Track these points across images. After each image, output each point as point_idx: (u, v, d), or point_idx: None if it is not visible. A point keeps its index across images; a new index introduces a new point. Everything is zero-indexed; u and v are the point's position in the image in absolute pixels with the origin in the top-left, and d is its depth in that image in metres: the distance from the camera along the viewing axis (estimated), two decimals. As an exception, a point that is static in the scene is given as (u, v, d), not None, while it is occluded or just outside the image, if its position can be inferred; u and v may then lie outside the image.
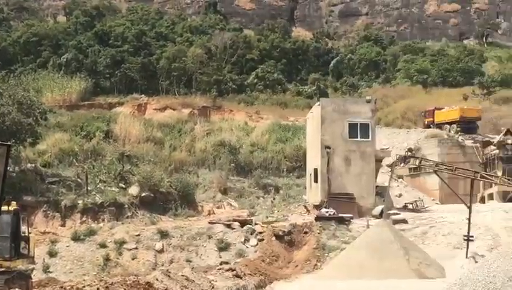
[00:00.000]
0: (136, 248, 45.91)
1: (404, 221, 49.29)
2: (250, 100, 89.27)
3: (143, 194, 52.54)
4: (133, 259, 44.98)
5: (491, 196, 61.11)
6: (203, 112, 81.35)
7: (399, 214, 51.11)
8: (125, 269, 42.78)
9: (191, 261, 44.39)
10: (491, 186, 59.71)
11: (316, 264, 44.45)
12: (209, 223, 49.10)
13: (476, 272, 22.21)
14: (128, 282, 23.17)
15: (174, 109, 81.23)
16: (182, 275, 28.09)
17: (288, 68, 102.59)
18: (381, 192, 53.69)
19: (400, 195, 61.00)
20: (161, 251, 45.96)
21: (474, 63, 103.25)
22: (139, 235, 47.06)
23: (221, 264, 41.81)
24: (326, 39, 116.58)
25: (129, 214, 51.23)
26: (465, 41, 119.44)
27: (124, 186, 54.06)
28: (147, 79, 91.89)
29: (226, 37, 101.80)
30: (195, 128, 72.15)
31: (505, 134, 64.30)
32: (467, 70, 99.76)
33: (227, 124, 74.97)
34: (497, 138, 65.43)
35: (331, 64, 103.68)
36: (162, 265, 43.33)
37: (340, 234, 47.41)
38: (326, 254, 45.27)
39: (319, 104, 55.58)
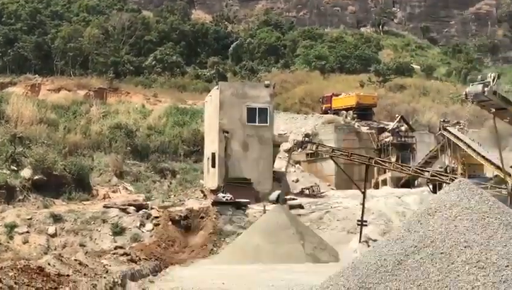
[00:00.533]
0: (28, 232, 44.78)
1: (301, 206, 49.67)
2: (148, 83, 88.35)
3: (36, 177, 51.28)
4: (24, 243, 43.84)
5: (384, 182, 62.27)
6: (99, 93, 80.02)
7: (295, 199, 51.50)
8: (16, 253, 41.64)
9: (84, 246, 43.60)
10: (385, 172, 60.81)
11: (212, 249, 44.36)
12: (104, 207, 48.35)
13: (368, 255, 22.38)
14: (19, 266, 22.52)
15: (69, 90, 79.61)
16: (75, 260, 27.45)
17: (187, 51, 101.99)
18: (278, 177, 53.93)
19: (297, 180, 61.43)
20: (54, 235, 44.99)
21: (370, 50, 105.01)
22: (31, 219, 45.92)
23: (115, 248, 41.17)
24: (226, 23, 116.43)
25: (21, 197, 49.90)
26: (362, 29, 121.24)
27: (15, 168, 52.65)
28: (41, 59, 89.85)
29: (124, 18, 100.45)
30: (91, 111, 70.85)
31: (399, 121, 65.59)
32: (363, 57, 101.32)
33: (124, 107, 73.95)
34: (391, 125, 66.67)
35: (231, 48, 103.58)
36: (55, 249, 42.41)
37: (237, 219, 47.40)
38: (223, 239, 45.22)
39: (217, 88, 55.36)
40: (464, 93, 40.22)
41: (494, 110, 39.44)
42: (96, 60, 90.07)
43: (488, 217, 21.97)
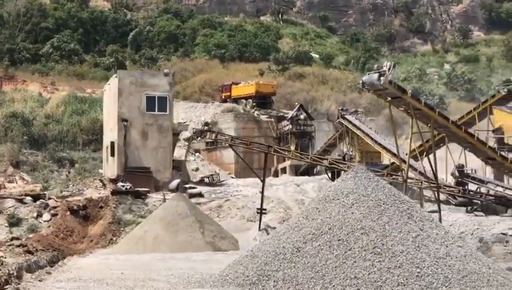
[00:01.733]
0: None
1: (200, 195, 49.75)
2: (45, 70, 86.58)
3: None
4: None
5: (284, 170, 62.89)
6: (-5, 81, 78.13)
7: (195, 188, 51.52)
8: None
9: (-21, 237, 42.57)
10: (284, 161, 61.43)
11: (111, 239, 43.99)
12: None
13: (267, 243, 22.60)
14: None
15: (-37, 78, 77.49)
16: (-31, 252, 26.85)
17: (86, 39, 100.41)
18: (178, 166, 53.84)
19: (197, 169, 61.44)
20: None
21: (270, 39, 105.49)
22: None
23: (11, 240, 40.27)
24: (125, 10, 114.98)
25: None
26: (262, 18, 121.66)
27: None
28: None
29: (20, 4, 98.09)
30: (-15, 99, 69.11)
31: (298, 109, 66.25)
32: (263, 46, 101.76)
33: (20, 95, 72.32)
34: (290, 113, 67.30)
35: (130, 36, 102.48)
36: None
37: (137, 208, 47.13)
38: (122, 228, 44.89)
39: (116, 76, 54.78)
40: (361, 82, 40.86)
41: (390, 98, 40.20)
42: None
43: (384, 204, 22.43)
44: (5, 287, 20.65)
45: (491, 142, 50.71)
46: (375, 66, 42.79)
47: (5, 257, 28.56)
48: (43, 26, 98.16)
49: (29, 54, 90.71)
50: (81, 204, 46.73)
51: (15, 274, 23.04)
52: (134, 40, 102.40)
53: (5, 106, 67.39)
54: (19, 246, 34.63)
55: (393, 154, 49.09)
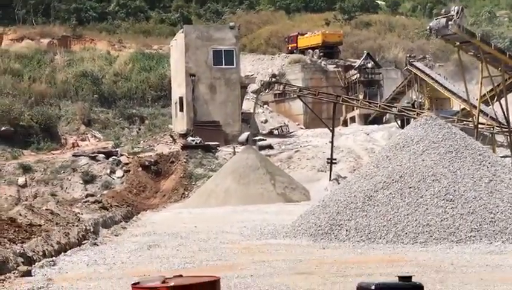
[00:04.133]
0: (-2, 184, 44.68)
1: (270, 146, 49.89)
2: (112, 29, 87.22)
3: (2, 129, 50.96)
4: (-6, 195, 43.77)
5: (353, 119, 62.60)
6: (63, 41, 78.99)
7: (265, 140, 51.69)
8: (-14, 206, 41.58)
9: (55, 195, 43.59)
10: (353, 110, 61.11)
11: (183, 193, 44.56)
12: (73, 155, 48.25)
13: (338, 193, 22.62)
14: (-10, 218, 22.52)
15: (32, 39, 78.48)
16: (47, 209, 27.45)
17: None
18: (246, 119, 54.02)
19: (266, 121, 61.54)
20: (24, 186, 44.91)
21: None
22: (0, 170, 45.72)
23: (86, 196, 41.23)
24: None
25: (-12, 149, 49.67)
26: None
27: (-19, 121, 52.25)
28: (2, 8, 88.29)
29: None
30: (55, 59, 70.01)
31: (365, 58, 65.66)
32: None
33: (89, 54, 73.12)
34: (357, 62, 66.74)
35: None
36: (26, 200, 42.34)
37: (207, 162, 47.55)
38: (194, 183, 45.38)
39: (182, 32, 54.97)
40: (428, 27, 40.25)
41: (458, 43, 39.57)
42: (58, 8, 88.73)
43: (455, 150, 22.22)
44: (82, 242, 21.16)
45: None
46: (443, 10, 42.11)
47: (82, 213, 29.20)
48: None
49: (96, 12, 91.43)
50: (152, 160, 47.38)
51: (92, 229, 23.58)
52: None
53: (75, 65, 68.29)
54: (94, 202, 35.40)
55: (464, 100, 48.40)
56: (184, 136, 51.96)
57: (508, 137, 42.43)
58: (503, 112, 40.94)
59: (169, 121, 58.27)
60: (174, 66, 58.73)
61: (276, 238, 21.85)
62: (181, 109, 53.75)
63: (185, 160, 47.46)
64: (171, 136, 53.95)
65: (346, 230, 20.56)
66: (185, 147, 48.94)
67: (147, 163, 46.99)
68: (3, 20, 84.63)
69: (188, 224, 26.98)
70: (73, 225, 23.64)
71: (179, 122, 54.52)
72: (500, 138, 46.96)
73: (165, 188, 45.63)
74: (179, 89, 55.14)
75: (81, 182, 45.12)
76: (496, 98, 44.54)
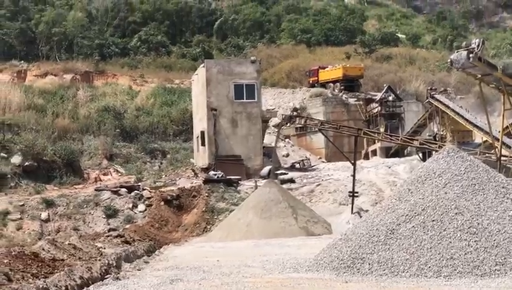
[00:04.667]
0: (21, 218, 44.83)
1: (292, 180, 49.86)
2: (134, 64, 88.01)
3: (26, 163, 51.29)
4: (18, 230, 43.91)
5: (374, 152, 62.49)
6: (86, 77, 79.77)
7: (286, 173, 51.65)
8: (10, 241, 41.69)
9: (78, 230, 43.68)
10: (374, 143, 61.03)
11: (205, 227, 44.52)
12: (96, 190, 48.43)
13: (360, 226, 22.55)
14: (14, 253, 22.59)
15: (55, 75, 79.31)
16: (69, 244, 27.52)
17: (172, 30, 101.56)
18: (268, 152, 54.07)
19: (287, 155, 61.57)
20: (47, 221, 45.07)
21: (355, 21, 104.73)
22: (23, 205, 45.95)
23: (109, 231, 41.27)
24: (210, 0, 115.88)
25: (12, 184, 49.91)
26: (346, 1, 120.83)
27: (5, 156, 52.58)
28: (26, 45, 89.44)
29: (107, 0, 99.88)
30: (78, 94, 70.59)
31: (386, 91, 65.68)
32: (348, 29, 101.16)
33: (111, 89, 73.71)
34: (378, 95, 66.75)
35: (215, 25, 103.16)
36: (49, 235, 42.43)
37: (229, 196, 47.53)
38: (216, 217, 45.35)
39: (203, 66, 55.30)
40: (449, 60, 40.25)
41: (480, 76, 39.52)
42: (81, 44, 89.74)
43: (478, 183, 22.11)
44: (105, 276, 21.17)
45: None
46: (464, 43, 42.10)
47: (104, 248, 29.24)
48: (130, 20, 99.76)
49: (118, 48, 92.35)
50: (174, 194, 47.45)
51: (114, 264, 23.59)
52: (219, 29, 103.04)
53: (97, 100, 68.84)
54: (116, 236, 35.44)
55: (486, 132, 48.21)
56: (206, 170, 52.06)
57: (531, 169, 42.22)
58: (526, 144, 40.80)
59: (191, 155, 58.43)
60: (195, 101, 59.02)
61: (299, 272, 21.78)
62: (203, 143, 53.91)
63: (206, 194, 47.49)
64: (193, 171, 54.07)
65: (369, 263, 20.47)
66: (206, 181, 49.00)
67: (168, 197, 47.06)
68: (27, 56, 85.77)
69: (210, 258, 26.94)
70: (96, 260, 23.68)
71: (201, 157, 54.66)
72: (523, 170, 46.72)
73: (187, 222, 45.63)
74: (200, 123, 55.36)
75: (104, 216, 45.24)
76: (518, 131, 44.41)
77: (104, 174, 55.22)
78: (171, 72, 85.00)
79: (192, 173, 53.76)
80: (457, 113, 54.94)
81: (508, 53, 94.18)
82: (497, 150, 42.08)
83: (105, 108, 65.28)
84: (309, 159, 58.69)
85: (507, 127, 44.02)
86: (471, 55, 37.16)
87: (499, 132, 42.91)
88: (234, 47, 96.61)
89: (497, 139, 42.92)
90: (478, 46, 37.47)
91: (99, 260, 23.61)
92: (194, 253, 30.36)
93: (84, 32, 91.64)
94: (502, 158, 41.81)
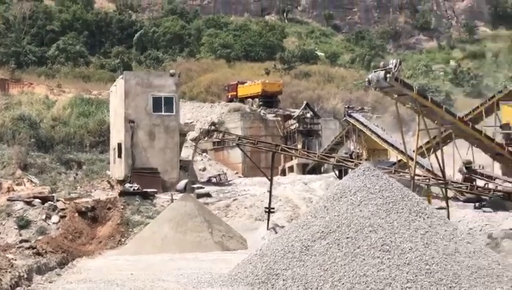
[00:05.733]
0: None
1: (208, 195, 49.78)
2: (51, 73, 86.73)
3: None
4: None
5: (291, 169, 62.92)
6: (1, 84, 78.21)
7: (203, 187, 51.56)
8: None
9: (-11, 240, 42.68)
10: (291, 159, 61.44)
11: (120, 240, 44.08)
12: (8, 200, 47.43)
13: (275, 242, 22.64)
14: None
15: (-30, 82, 77.66)
16: (-21, 255, 26.92)
17: (91, 40, 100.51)
18: (185, 166, 53.92)
19: (204, 169, 61.50)
20: (-43, 231, 43.95)
21: (275, 38, 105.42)
22: None
23: (21, 242, 40.45)
24: (130, 11, 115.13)
25: None
26: (267, 17, 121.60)
27: None
28: None
29: (25, 7, 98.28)
30: (-8, 102, 69.24)
31: (304, 108, 66.27)
32: (268, 45, 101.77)
33: (27, 98, 72.49)
34: (296, 112, 67.29)
35: (135, 37, 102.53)
36: (-42, 245, 41.36)
37: (145, 209, 47.17)
38: (131, 230, 44.94)
39: (122, 78, 54.87)
40: (367, 79, 40.83)
41: (396, 96, 40.18)
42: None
43: (392, 201, 22.45)
44: (15, 288, 20.74)
45: (499, 138, 50.60)
46: (381, 63, 42.79)
47: (15, 259, 28.63)
48: (48, 28, 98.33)
49: (35, 56, 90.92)
50: (89, 206, 46.85)
51: (25, 276, 23.14)
52: (139, 41, 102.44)
53: (12, 108, 67.56)
54: (28, 248, 34.72)
55: (401, 152, 49.04)
56: (122, 182, 51.58)
57: (443, 189, 43.03)
58: (439, 164, 41.53)
59: (107, 167, 57.81)
60: (113, 112, 58.48)
61: (213, 287, 21.72)
62: (119, 155, 53.41)
63: (122, 206, 47.03)
64: (109, 182, 53.51)
65: (283, 279, 20.55)
66: (122, 194, 48.54)
67: (83, 209, 46.42)
68: None
69: (124, 271, 26.66)
70: (6, 271, 23.16)
71: (117, 169, 54.14)
72: (435, 190, 47.59)
73: (101, 234, 45.08)
74: (117, 135, 54.86)
75: (16, 227, 44.32)
76: (432, 151, 45.23)
77: (18, 184, 54.05)
78: (89, 83, 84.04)
79: (108, 184, 53.21)
80: (374, 132, 55.77)
81: (424, 74, 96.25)
82: (411, 169, 42.79)
83: (20, 117, 64.06)
84: (226, 174, 58.72)
85: (421, 146, 44.84)
86: (388, 75, 37.75)
87: (413, 151, 43.65)
88: (153, 59, 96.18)
89: (412, 159, 43.66)
90: (395, 66, 38.11)
91: (10, 271, 23.11)
92: (107, 266, 30.00)
93: (0, 40, 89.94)
94: (416, 177, 42.52)
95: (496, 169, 51.36)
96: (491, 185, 47.41)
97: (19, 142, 59.94)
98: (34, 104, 70.02)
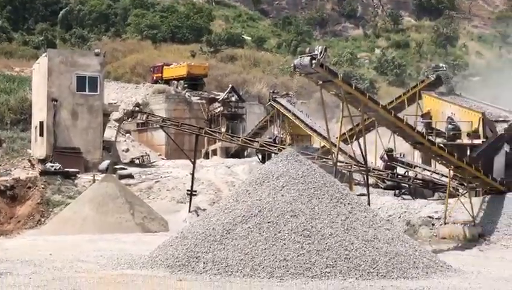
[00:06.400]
0: None
1: (131, 176, 49.51)
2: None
3: None
4: None
5: (215, 152, 62.88)
6: None
7: (125, 169, 51.24)
8: None
9: None
10: (215, 142, 61.40)
11: (39, 220, 43.57)
12: None
13: (196, 225, 22.68)
14: None
15: None
16: None
17: (15, 16, 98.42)
18: (108, 147, 53.45)
19: (127, 150, 61.02)
20: None
21: (202, 20, 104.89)
22: None
23: None
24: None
25: None
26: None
27: None
28: None
29: None
30: None
31: (229, 92, 66.21)
32: (195, 27, 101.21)
33: None
34: (221, 95, 67.23)
35: (60, 15, 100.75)
36: None
37: (66, 188, 46.66)
38: (51, 209, 44.44)
39: (45, 55, 54.01)
40: (292, 65, 41.00)
41: (321, 82, 40.44)
42: None
43: (314, 187, 22.67)
44: None
45: (420, 127, 51.39)
46: (307, 49, 42.90)
47: None
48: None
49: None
50: (8, 184, 46.11)
51: None
52: (64, 18, 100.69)
53: None
54: None
55: (324, 138, 49.46)
56: (43, 161, 50.82)
57: (365, 176, 43.56)
58: (361, 151, 41.98)
59: (28, 146, 56.83)
60: (35, 90, 57.52)
61: (133, 269, 21.64)
62: (41, 134, 52.60)
63: (42, 186, 46.40)
64: (30, 161, 52.64)
65: (204, 262, 20.59)
66: (43, 173, 47.86)
67: (2, 187, 45.64)
68: None
69: (42, 251, 26.36)
70: None
71: (39, 147, 53.33)
72: (357, 177, 48.17)
73: (20, 213, 44.42)
74: (39, 113, 54.02)
75: None
76: (354, 138, 45.71)
77: None
78: (11, 59, 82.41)
79: (29, 163, 52.34)
80: (298, 118, 56.04)
81: (349, 62, 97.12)
82: (333, 155, 43.18)
83: None
84: (149, 156, 58.38)
85: (344, 133, 45.29)
86: (313, 61, 37.91)
87: (337, 138, 44.06)
88: (79, 38, 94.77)
89: (335, 145, 44.06)
90: (321, 53, 38.29)
91: None
92: (26, 246, 29.64)
93: None
94: (338, 164, 42.94)
95: (416, 157, 52.23)
96: (411, 173, 48.17)
97: None
98: (-47, 79, 68.40)
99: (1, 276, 19.45)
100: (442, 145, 43.68)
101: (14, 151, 56.13)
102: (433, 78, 54.74)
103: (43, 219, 43.40)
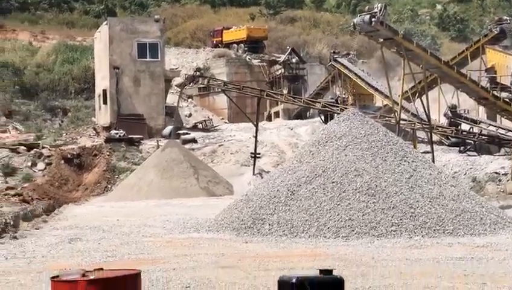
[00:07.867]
0: None
1: (194, 140, 49.81)
2: (35, 19, 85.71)
3: None
4: None
5: (277, 114, 62.86)
6: (-17, 31, 77.44)
7: (189, 133, 51.56)
8: None
9: (-26, 188, 42.62)
10: (277, 105, 61.35)
11: (106, 187, 44.21)
12: (-7, 147, 47.31)
13: (261, 187, 22.73)
14: None
15: (-50, 29, 76.73)
16: (-35, 203, 27.00)
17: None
18: (171, 112, 53.78)
19: (190, 115, 61.37)
20: None
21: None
22: None
23: (7, 189, 40.50)
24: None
25: None
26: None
27: None
28: None
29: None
30: (-25, 49, 68.56)
31: (290, 53, 65.92)
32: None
33: (10, 45, 71.71)
34: (282, 57, 66.99)
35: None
36: None
37: (130, 155, 47.21)
38: (117, 176, 45.05)
39: (106, 24, 54.42)
40: (352, 24, 40.65)
41: (382, 40, 40.07)
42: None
43: (377, 146, 22.51)
44: (2, 235, 20.77)
45: (484, 82, 50.65)
46: (367, 7, 42.55)
47: (1, 206, 28.72)
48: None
49: (18, 2, 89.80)
50: (75, 152, 46.80)
51: (11, 223, 23.18)
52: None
53: (-5, 55, 66.94)
54: (14, 195, 34.88)
55: (386, 96, 49.05)
56: (107, 129, 51.47)
57: (429, 133, 43.18)
58: (424, 109, 41.59)
59: (93, 114, 57.60)
60: (98, 59, 58.09)
61: (199, 232, 21.83)
62: (104, 102, 53.21)
63: (108, 153, 47.01)
64: (94, 129, 53.39)
65: (269, 224, 20.66)
66: (108, 140, 48.49)
67: (69, 156, 46.37)
68: None
69: (110, 218, 26.76)
70: (-8, 218, 23.22)
71: (103, 115, 53.97)
72: (421, 134, 47.75)
73: (87, 181, 45.13)
74: (102, 81, 54.58)
75: (1, 174, 44.24)
76: (417, 95, 45.27)
77: (3, 132, 53.83)
78: (73, 29, 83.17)
79: (94, 131, 53.08)
80: (359, 77, 55.68)
81: (409, 19, 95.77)
82: (396, 113, 42.86)
83: (3, 64, 63.52)
84: (211, 120, 58.66)
85: (407, 91, 44.87)
86: (373, 19, 37.62)
87: (399, 96, 43.68)
88: (138, 5, 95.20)
89: (397, 103, 43.71)
90: (380, 10, 37.94)
91: (-4, 218, 23.16)
92: (93, 212, 30.10)
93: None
94: (401, 122, 42.63)
95: (481, 113, 51.52)
96: (475, 129, 47.59)
97: (2, 90, 59.61)
98: (18, 51, 69.35)
99: (71, 242, 19.82)
100: (507, 100, 43.05)
101: (79, 120, 57.01)
102: (496, 32, 53.79)
103: (109, 186, 44.04)
